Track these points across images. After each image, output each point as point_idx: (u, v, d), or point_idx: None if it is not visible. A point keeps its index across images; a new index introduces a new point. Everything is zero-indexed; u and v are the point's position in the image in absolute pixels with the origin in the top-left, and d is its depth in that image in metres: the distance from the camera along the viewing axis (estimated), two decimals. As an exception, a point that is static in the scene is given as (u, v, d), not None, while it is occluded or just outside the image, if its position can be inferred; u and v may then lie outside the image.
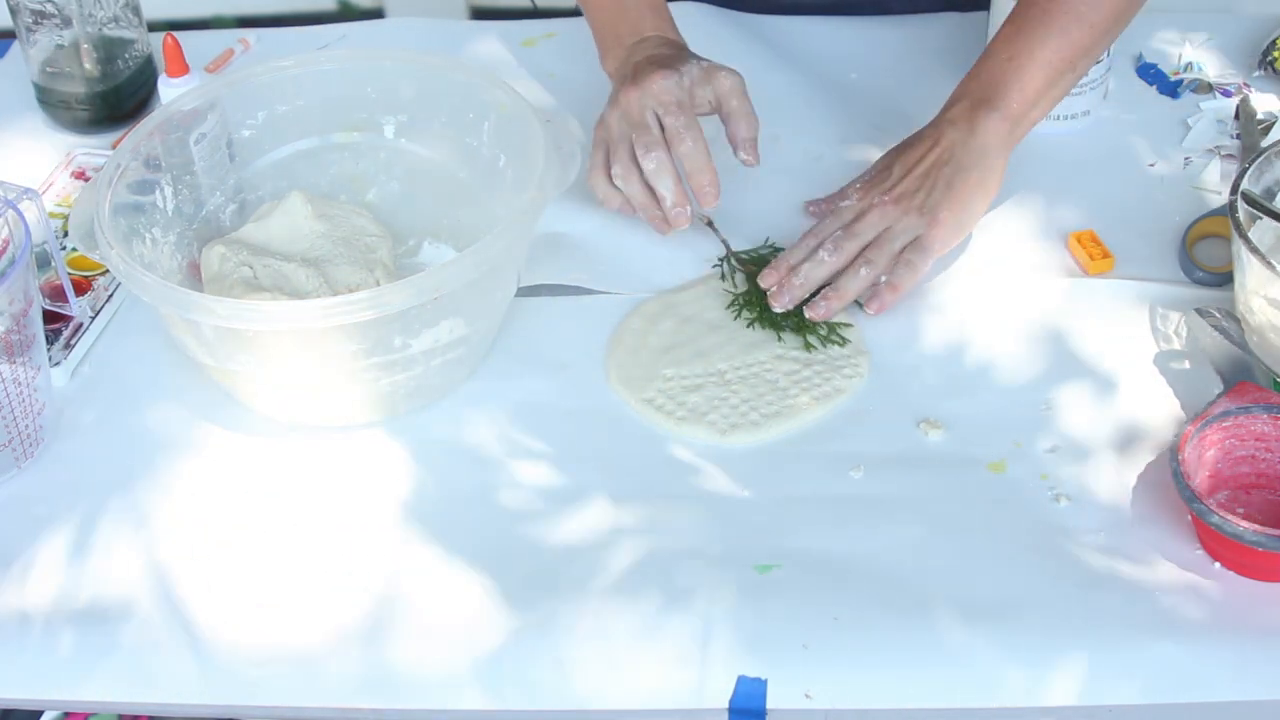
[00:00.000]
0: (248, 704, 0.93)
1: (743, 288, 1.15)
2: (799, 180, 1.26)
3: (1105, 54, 1.26)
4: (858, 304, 1.13)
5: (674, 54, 1.18)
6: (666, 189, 1.11)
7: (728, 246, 1.17)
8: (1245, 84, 1.34)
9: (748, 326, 1.12)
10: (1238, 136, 1.28)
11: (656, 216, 1.14)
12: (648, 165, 1.11)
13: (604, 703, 0.91)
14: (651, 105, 1.12)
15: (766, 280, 1.12)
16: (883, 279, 1.12)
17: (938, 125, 1.16)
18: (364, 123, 1.21)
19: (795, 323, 1.11)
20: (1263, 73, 1.35)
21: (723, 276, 1.16)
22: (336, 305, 0.98)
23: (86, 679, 0.94)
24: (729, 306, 1.13)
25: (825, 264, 1.12)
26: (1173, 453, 0.94)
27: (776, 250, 1.17)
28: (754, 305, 1.13)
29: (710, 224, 1.17)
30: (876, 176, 1.16)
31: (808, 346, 1.10)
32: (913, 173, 1.14)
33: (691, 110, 1.13)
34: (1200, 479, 0.95)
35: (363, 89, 1.20)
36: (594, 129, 1.17)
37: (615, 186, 1.14)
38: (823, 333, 1.10)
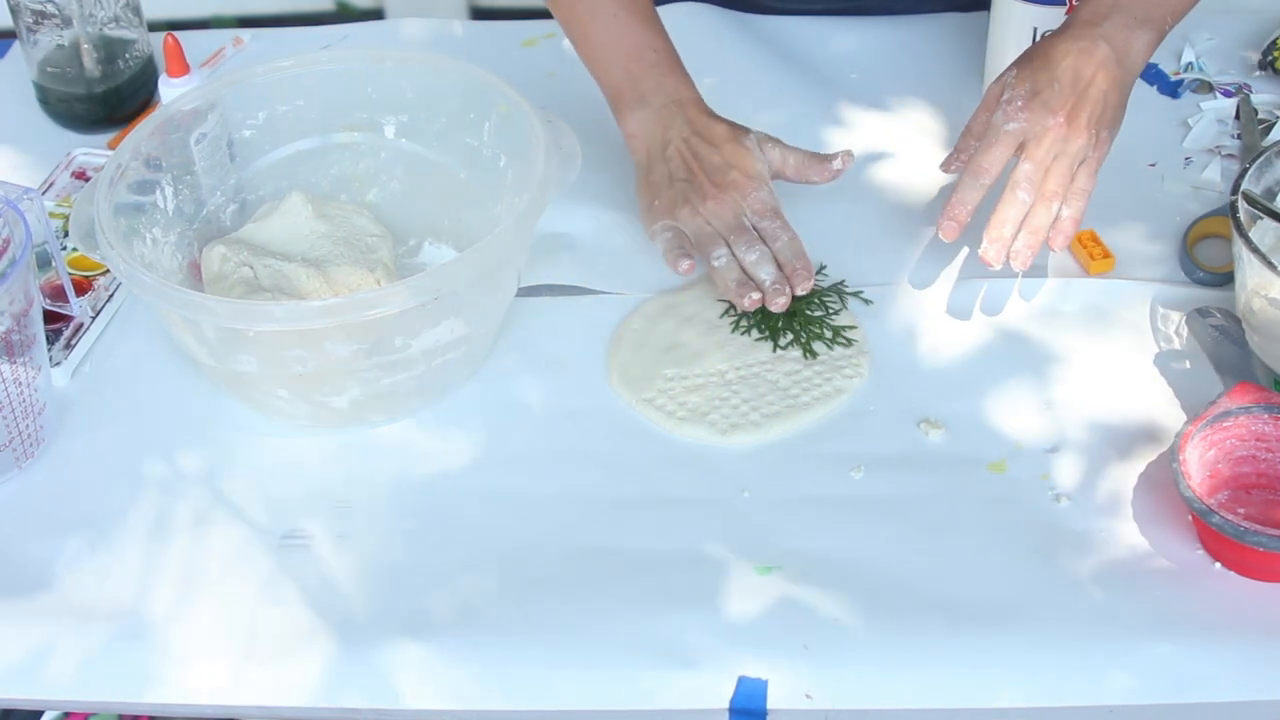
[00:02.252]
0: (248, 704, 0.93)
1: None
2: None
3: None
4: (866, 301, 1.13)
5: (732, 137, 1.16)
6: (767, 274, 1.11)
7: None
8: (1245, 84, 1.34)
9: (742, 334, 1.11)
10: (1238, 136, 1.28)
11: (744, 295, 1.11)
12: (749, 257, 1.11)
13: (604, 703, 0.91)
14: (746, 212, 1.14)
15: (951, 234, 1.12)
16: (1063, 211, 1.10)
17: (1090, 38, 1.11)
18: (365, 123, 1.21)
19: (795, 327, 1.11)
20: (1263, 73, 1.35)
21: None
22: (337, 305, 0.98)
23: (86, 679, 0.93)
24: (724, 315, 1.13)
25: (1024, 204, 1.10)
26: (1173, 453, 0.94)
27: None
28: (758, 311, 1.13)
29: None
30: (1035, 94, 1.10)
31: (808, 353, 1.09)
32: (1078, 91, 1.10)
33: (782, 213, 1.14)
34: (1201, 479, 0.95)
35: (363, 89, 1.20)
36: (652, 214, 1.16)
37: (687, 258, 1.13)
38: (828, 336, 1.10)
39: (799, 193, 1.24)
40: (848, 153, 1.18)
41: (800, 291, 1.11)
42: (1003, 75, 1.14)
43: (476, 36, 1.48)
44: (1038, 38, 1.25)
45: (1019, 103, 1.10)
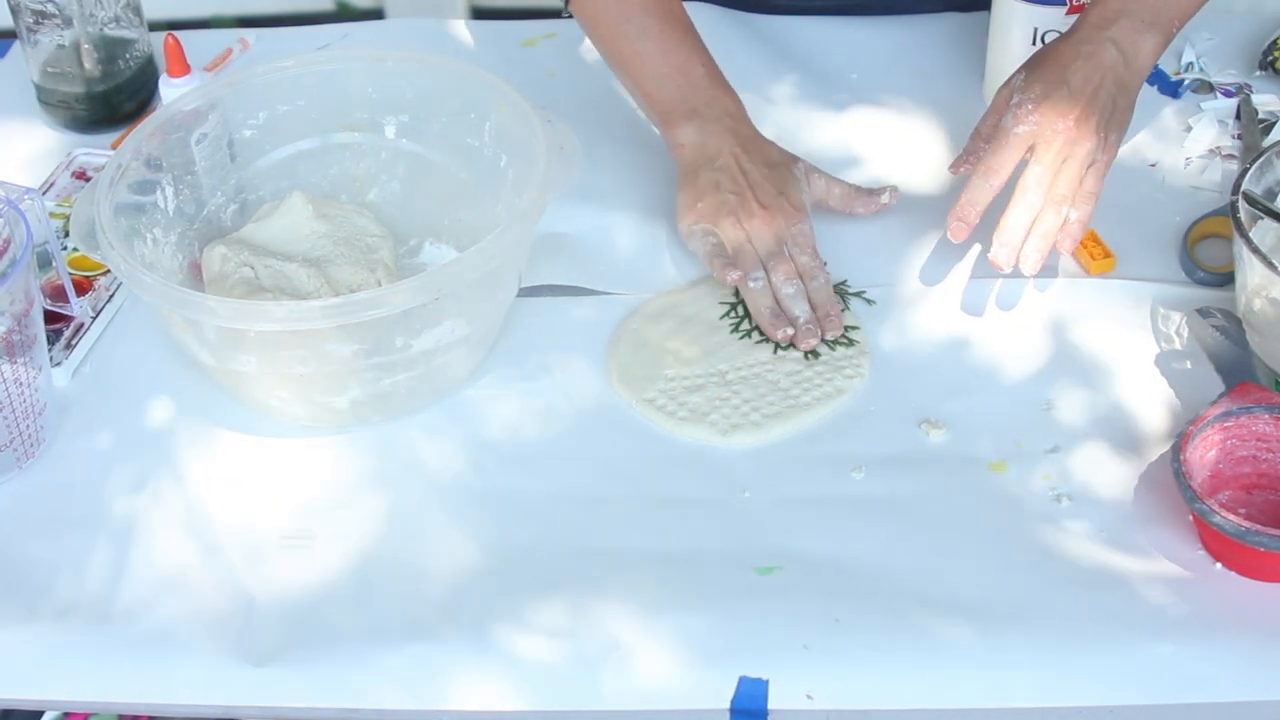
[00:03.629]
0: (248, 704, 0.93)
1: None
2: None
3: None
4: (868, 301, 1.13)
5: (782, 162, 1.18)
6: (802, 312, 1.11)
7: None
8: (1246, 84, 1.34)
9: (742, 337, 1.11)
10: (1238, 136, 1.28)
11: (778, 328, 1.11)
12: (787, 290, 1.12)
13: (604, 703, 0.91)
14: (787, 240, 1.14)
15: (959, 235, 1.13)
16: (1071, 214, 1.11)
17: (1098, 41, 1.12)
18: (365, 123, 1.21)
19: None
20: (1263, 73, 1.35)
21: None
22: (337, 305, 0.98)
23: (86, 679, 0.94)
24: (723, 317, 1.13)
25: (1034, 208, 1.10)
26: (1174, 453, 0.94)
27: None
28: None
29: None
30: (1045, 98, 1.10)
31: (809, 353, 1.09)
32: (1087, 94, 1.10)
33: (818, 252, 1.15)
34: (1201, 479, 0.95)
35: (363, 89, 1.20)
36: (693, 214, 1.15)
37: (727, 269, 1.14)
38: (831, 338, 1.10)
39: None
40: (894, 189, 1.19)
41: (830, 337, 1.11)
42: (1012, 78, 1.14)
43: (476, 36, 1.48)
44: (1038, 38, 1.25)
45: (1029, 106, 1.11)
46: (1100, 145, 1.10)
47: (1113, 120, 1.11)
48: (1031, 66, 1.13)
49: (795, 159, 1.19)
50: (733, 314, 1.13)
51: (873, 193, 1.19)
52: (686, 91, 1.19)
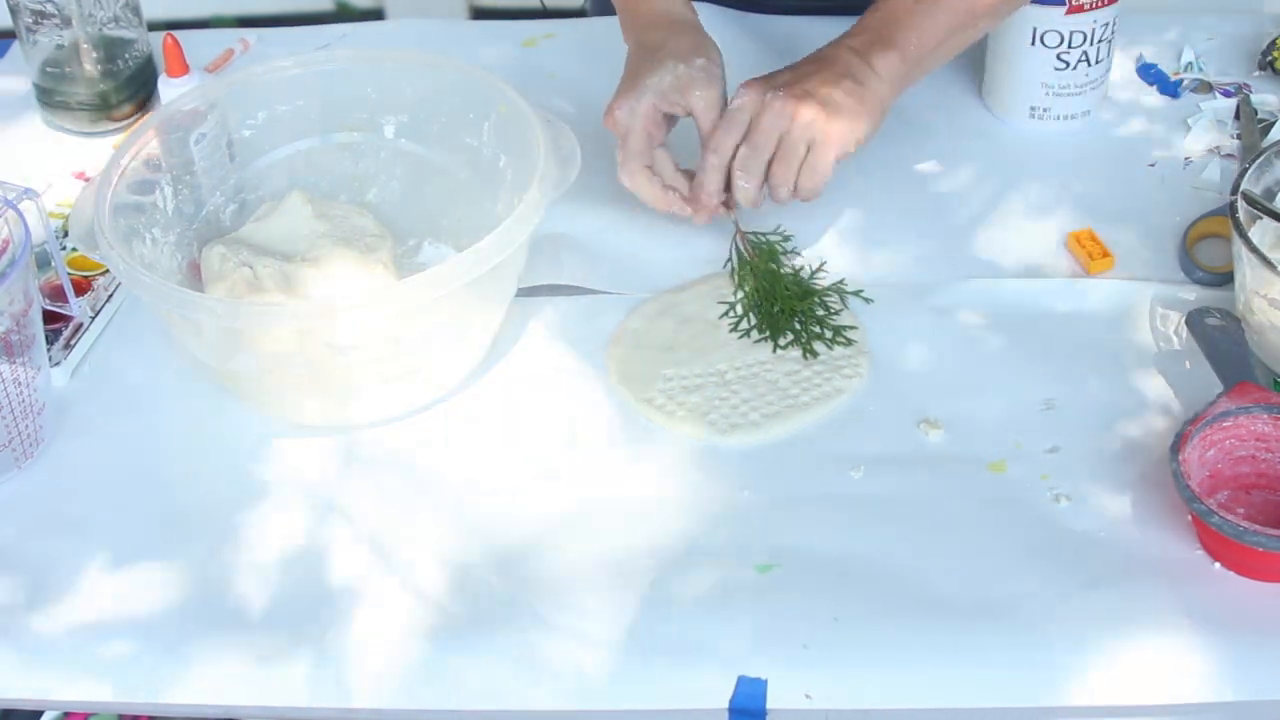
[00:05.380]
0: (248, 704, 0.93)
1: (748, 286, 1.14)
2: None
3: (1107, 53, 1.26)
4: (866, 300, 1.13)
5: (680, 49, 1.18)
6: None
7: (738, 226, 1.16)
8: (1245, 84, 1.34)
9: (741, 336, 1.11)
10: (1238, 136, 1.28)
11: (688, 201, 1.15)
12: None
13: (604, 703, 0.91)
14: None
15: (698, 218, 1.15)
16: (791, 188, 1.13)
17: (834, 47, 1.15)
18: (364, 123, 1.21)
19: (795, 327, 1.11)
20: (1262, 73, 1.35)
21: (728, 264, 1.16)
22: (337, 305, 0.98)
23: (86, 679, 0.93)
24: (723, 316, 1.13)
25: (746, 190, 1.13)
26: (1173, 453, 0.94)
27: (786, 238, 1.17)
28: (757, 310, 1.12)
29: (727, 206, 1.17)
30: (764, 78, 1.13)
31: (808, 353, 1.09)
32: (803, 72, 1.13)
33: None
34: (1200, 479, 0.95)
35: (363, 89, 1.20)
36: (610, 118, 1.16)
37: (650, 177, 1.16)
38: (828, 335, 1.10)
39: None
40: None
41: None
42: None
43: (476, 36, 1.48)
44: (1037, 38, 1.25)
45: (752, 87, 1.12)
46: (823, 116, 1.10)
47: (840, 95, 1.11)
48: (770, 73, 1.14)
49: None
50: (732, 313, 1.13)
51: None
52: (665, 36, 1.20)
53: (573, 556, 0.98)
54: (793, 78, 1.13)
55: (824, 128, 1.11)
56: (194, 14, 2.45)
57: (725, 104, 1.16)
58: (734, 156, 1.13)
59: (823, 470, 1.02)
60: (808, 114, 1.11)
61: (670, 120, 1.17)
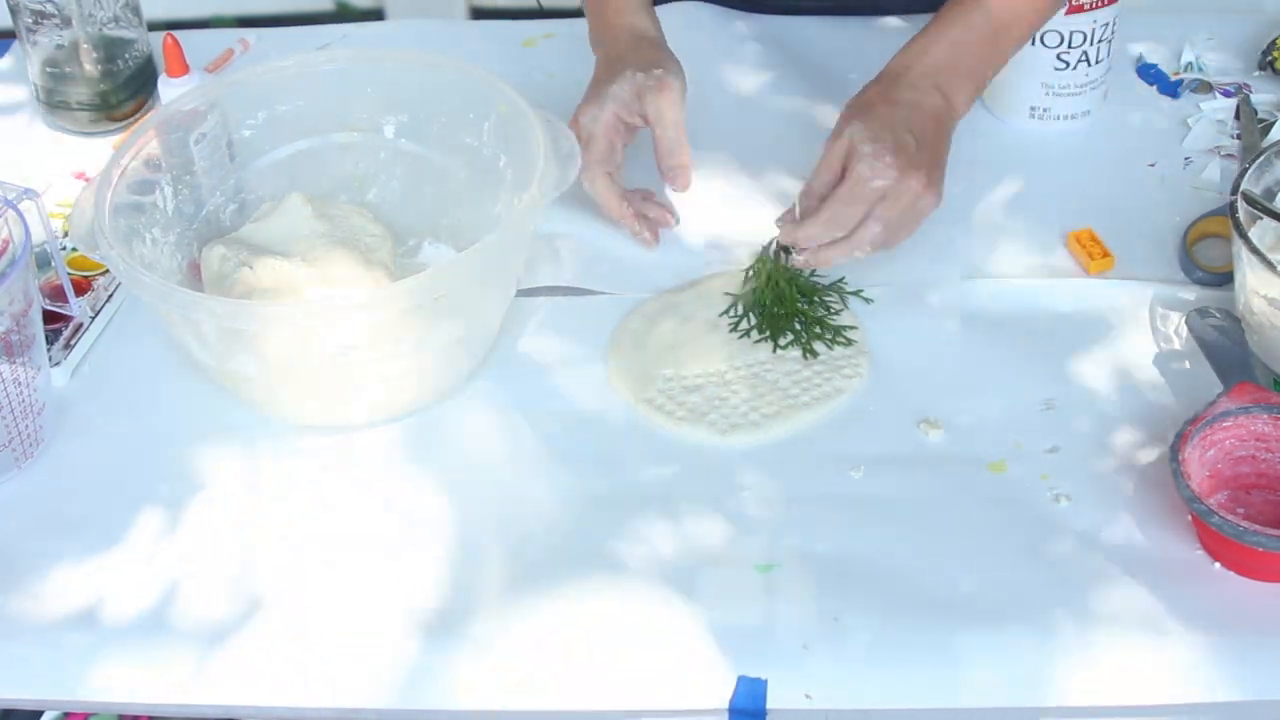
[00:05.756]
0: (247, 704, 0.93)
1: (754, 284, 1.14)
2: (800, 177, 1.26)
3: (1106, 53, 1.26)
4: (866, 300, 1.13)
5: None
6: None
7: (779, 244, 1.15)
8: (1245, 84, 1.34)
9: (740, 336, 1.11)
10: (1238, 136, 1.28)
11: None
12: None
13: (604, 703, 0.91)
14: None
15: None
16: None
17: (924, 89, 1.11)
18: (364, 123, 1.21)
19: (795, 327, 1.11)
20: (1262, 73, 1.35)
21: (752, 273, 1.15)
22: (337, 305, 0.98)
23: (86, 679, 0.93)
24: (723, 314, 1.13)
25: (837, 253, 1.11)
26: (1173, 453, 0.94)
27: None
28: (759, 310, 1.12)
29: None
30: (896, 153, 1.08)
31: (808, 353, 1.09)
32: (928, 149, 1.10)
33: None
34: (1200, 479, 0.95)
35: (363, 89, 1.20)
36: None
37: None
38: (828, 336, 1.10)
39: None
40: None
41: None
42: (842, 130, 1.10)
43: (476, 36, 1.48)
44: (1037, 38, 1.25)
45: (884, 161, 1.08)
46: (936, 201, 1.10)
47: (941, 170, 1.11)
48: (866, 118, 1.09)
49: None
50: (732, 312, 1.13)
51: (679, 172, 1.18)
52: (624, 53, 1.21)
53: (572, 556, 0.97)
54: (918, 157, 1.09)
55: (930, 208, 1.10)
56: (194, 14, 2.44)
57: (682, 111, 1.17)
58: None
59: (823, 470, 1.02)
60: (929, 204, 1.10)
61: (632, 129, 1.19)
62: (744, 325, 1.12)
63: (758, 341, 1.11)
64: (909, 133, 1.09)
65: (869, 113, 1.10)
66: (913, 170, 1.08)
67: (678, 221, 1.21)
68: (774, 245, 1.14)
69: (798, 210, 1.12)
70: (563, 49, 1.43)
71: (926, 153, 1.09)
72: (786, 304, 1.12)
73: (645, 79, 1.16)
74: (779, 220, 1.14)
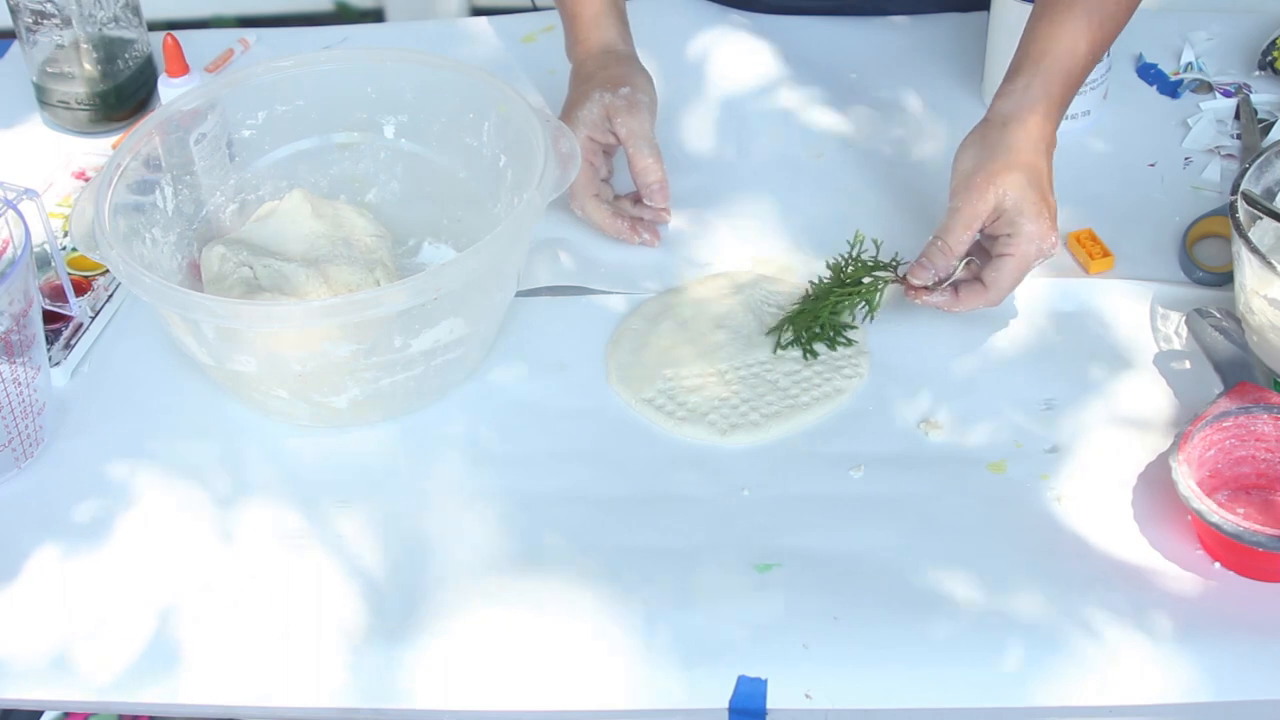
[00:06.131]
0: (248, 704, 0.93)
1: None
2: (800, 176, 1.26)
3: (1106, 54, 1.26)
4: (868, 300, 1.13)
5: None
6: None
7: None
8: (1245, 84, 1.34)
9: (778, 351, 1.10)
10: (1238, 136, 1.28)
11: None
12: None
13: (604, 702, 0.91)
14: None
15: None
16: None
17: (1050, 137, 1.10)
18: (364, 123, 1.21)
19: (816, 329, 1.10)
20: (1262, 73, 1.35)
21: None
22: (336, 305, 0.99)
23: (87, 679, 0.93)
24: (769, 332, 1.11)
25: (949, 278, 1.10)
26: (1173, 453, 0.94)
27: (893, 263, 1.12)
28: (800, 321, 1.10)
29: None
30: (1049, 222, 1.07)
31: (809, 354, 1.09)
32: (1053, 204, 1.09)
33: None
34: (1200, 479, 0.95)
35: (363, 89, 1.20)
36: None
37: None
38: (829, 335, 1.10)
39: (800, 189, 1.25)
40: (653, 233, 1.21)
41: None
42: (985, 192, 1.06)
43: (476, 32, 1.48)
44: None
45: (1053, 238, 1.07)
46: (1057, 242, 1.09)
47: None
48: (1016, 185, 1.06)
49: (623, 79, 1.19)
50: (781, 335, 1.11)
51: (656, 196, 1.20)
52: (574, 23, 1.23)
53: (572, 556, 0.97)
54: (1052, 218, 1.07)
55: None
56: (194, 14, 2.44)
57: (652, 127, 1.18)
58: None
59: (823, 470, 1.02)
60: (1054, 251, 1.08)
61: (609, 147, 1.20)
62: (785, 338, 1.10)
63: (766, 336, 1.10)
64: (1052, 191, 1.08)
65: (1016, 178, 1.07)
66: (1054, 230, 1.07)
67: (669, 216, 1.21)
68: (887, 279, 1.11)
69: (932, 269, 1.09)
70: (563, 45, 1.43)
71: (1048, 206, 1.08)
72: (821, 309, 1.10)
73: (613, 99, 1.17)
74: (913, 285, 1.10)
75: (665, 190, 1.19)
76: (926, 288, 1.09)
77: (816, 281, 1.12)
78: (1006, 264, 1.07)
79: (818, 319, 1.10)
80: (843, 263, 1.11)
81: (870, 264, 1.10)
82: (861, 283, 1.10)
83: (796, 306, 1.12)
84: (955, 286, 1.09)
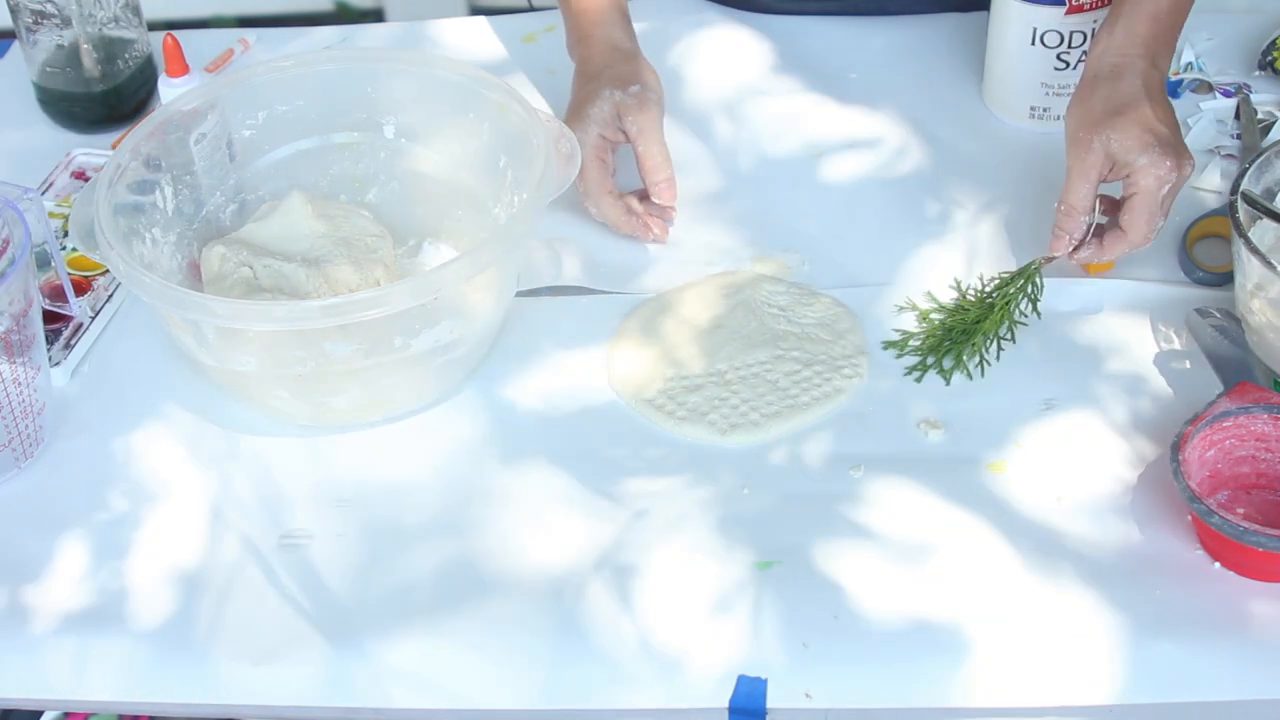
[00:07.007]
0: (247, 704, 0.93)
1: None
2: (800, 177, 1.26)
3: None
4: (1031, 298, 1.13)
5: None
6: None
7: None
8: (1245, 84, 1.34)
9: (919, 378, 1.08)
10: (1238, 136, 1.28)
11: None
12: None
13: (604, 701, 0.91)
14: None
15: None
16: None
17: (1137, 73, 1.11)
18: (364, 123, 1.21)
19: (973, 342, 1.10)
20: (1262, 73, 1.35)
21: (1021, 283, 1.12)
22: (336, 305, 0.98)
23: (86, 679, 0.94)
24: (900, 354, 1.10)
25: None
26: (1173, 452, 0.94)
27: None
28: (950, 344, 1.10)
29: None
30: (1162, 152, 1.08)
31: (809, 353, 1.09)
32: (1168, 124, 1.10)
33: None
34: (1200, 479, 0.95)
35: (363, 89, 1.20)
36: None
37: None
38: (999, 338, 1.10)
39: (800, 189, 1.25)
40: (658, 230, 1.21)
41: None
42: (1093, 143, 1.09)
43: (476, 31, 1.48)
44: (1036, 38, 1.25)
45: (1167, 163, 1.08)
46: (1193, 165, 1.10)
47: (1180, 133, 1.11)
48: (1116, 128, 1.08)
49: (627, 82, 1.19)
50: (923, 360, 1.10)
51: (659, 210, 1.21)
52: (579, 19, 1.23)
53: (571, 556, 0.97)
54: (1171, 133, 1.09)
55: (1191, 173, 1.10)
56: (194, 14, 2.44)
57: (661, 125, 1.18)
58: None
59: (823, 470, 1.02)
60: (1191, 171, 1.10)
61: (616, 143, 1.20)
62: (929, 361, 1.09)
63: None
64: (1160, 122, 1.10)
65: (1117, 121, 1.09)
66: (1177, 155, 1.09)
67: (675, 213, 1.21)
68: (1035, 264, 1.12)
69: (1066, 234, 1.12)
70: (563, 44, 1.43)
71: (1173, 129, 1.10)
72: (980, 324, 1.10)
73: (624, 97, 1.17)
74: (1051, 248, 1.13)
75: (673, 187, 1.19)
76: (1074, 250, 1.13)
77: (939, 305, 1.13)
78: (1134, 203, 1.09)
79: (981, 332, 1.09)
80: (979, 284, 1.13)
81: (1005, 277, 1.12)
82: (1010, 286, 1.11)
83: (937, 337, 1.10)
84: (1100, 236, 1.12)
